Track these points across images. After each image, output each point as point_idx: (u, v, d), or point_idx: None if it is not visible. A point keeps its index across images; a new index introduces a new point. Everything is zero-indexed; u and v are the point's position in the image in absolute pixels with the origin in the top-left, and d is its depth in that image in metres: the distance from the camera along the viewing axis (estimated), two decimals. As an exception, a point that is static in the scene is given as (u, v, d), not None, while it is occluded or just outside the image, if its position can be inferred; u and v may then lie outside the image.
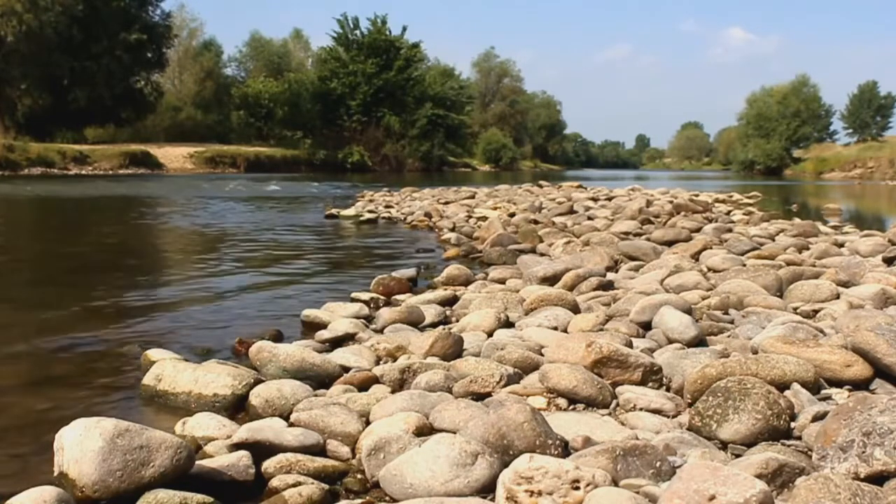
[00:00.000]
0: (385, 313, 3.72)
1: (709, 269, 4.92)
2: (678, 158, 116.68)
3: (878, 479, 1.68)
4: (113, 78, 40.14)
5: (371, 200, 14.16)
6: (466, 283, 4.88)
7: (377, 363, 2.96)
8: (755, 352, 2.73)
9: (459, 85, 59.18)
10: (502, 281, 4.87)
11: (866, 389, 2.40)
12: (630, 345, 2.88)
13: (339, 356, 2.97)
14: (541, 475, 1.66)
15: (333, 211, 11.49)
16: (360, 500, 1.88)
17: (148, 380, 2.74)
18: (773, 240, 6.68)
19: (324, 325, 3.63)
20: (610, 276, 4.70)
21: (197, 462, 1.96)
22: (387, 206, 12.53)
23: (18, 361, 3.23)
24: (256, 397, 2.49)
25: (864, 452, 1.72)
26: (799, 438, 2.04)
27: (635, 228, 7.60)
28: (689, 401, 2.33)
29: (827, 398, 2.32)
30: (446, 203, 12.26)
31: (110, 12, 39.76)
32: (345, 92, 49.27)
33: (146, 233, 9.39)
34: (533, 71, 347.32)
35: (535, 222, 8.37)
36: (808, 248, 5.98)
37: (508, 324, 3.54)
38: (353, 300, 4.31)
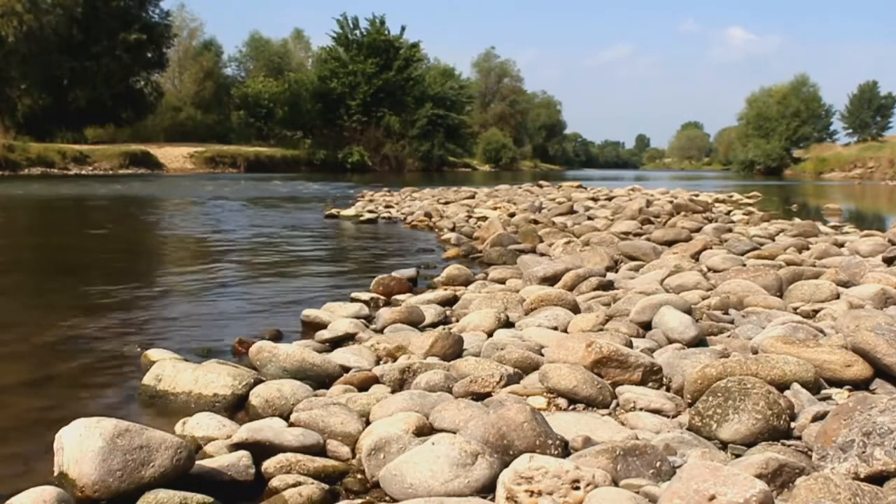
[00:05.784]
0: (385, 313, 3.72)
1: (709, 269, 4.92)
2: (678, 158, 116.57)
3: (878, 479, 1.68)
4: (113, 78, 40.11)
5: (371, 200, 14.15)
6: (466, 283, 4.88)
7: (377, 363, 2.96)
8: (755, 352, 2.73)
9: (459, 85, 59.10)
10: (502, 281, 4.86)
11: (866, 389, 2.40)
12: (630, 345, 2.88)
13: (339, 356, 2.97)
14: (541, 475, 1.66)
15: (333, 211, 11.48)
16: (360, 500, 1.88)
17: (148, 380, 2.74)
18: (773, 240, 6.68)
19: (324, 325, 3.63)
20: (610, 276, 4.70)
21: (197, 462, 1.96)
22: (387, 206, 12.53)
23: (18, 361, 3.23)
24: (256, 397, 2.49)
25: (864, 452, 1.72)
26: (799, 438, 2.04)
27: (635, 228, 7.60)
28: (689, 401, 2.33)
29: (827, 398, 2.32)
30: (446, 203, 12.26)
31: (110, 12, 39.73)
32: (345, 92, 49.24)
33: (146, 233, 9.39)
34: (533, 71, 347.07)
35: (535, 222, 8.37)
36: (808, 248, 5.98)
37: (508, 324, 3.54)
38: (353, 300, 4.31)
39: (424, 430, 2.14)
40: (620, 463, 1.78)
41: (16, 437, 2.35)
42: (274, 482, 1.93)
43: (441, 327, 3.41)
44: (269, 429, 2.14)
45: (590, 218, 9.10)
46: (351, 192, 18.52)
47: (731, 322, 3.45)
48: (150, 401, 2.68)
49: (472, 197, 13.38)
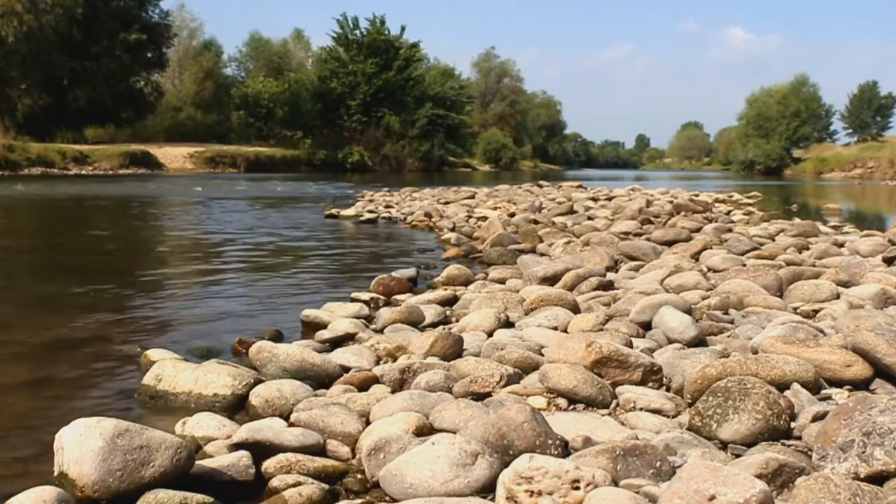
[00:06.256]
0: (385, 313, 3.72)
1: (709, 269, 4.92)
2: (678, 158, 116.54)
3: (878, 479, 1.68)
4: (113, 78, 40.12)
5: (371, 200, 14.15)
6: (466, 283, 4.87)
7: (377, 363, 2.96)
8: (755, 352, 2.73)
9: (459, 85, 59.11)
10: (502, 281, 4.86)
11: (866, 389, 2.40)
12: (630, 345, 2.88)
13: (339, 356, 2.97)
14: (541, 475, 1.66)
15: (333, 211, 11.48)
16: (360, 500, 1.88)
17: (148, 380, 2.74)
18: (773, 240, 6.68)
19: (324, 325, 3.63)
20: (610, 276, 4.70)
21: (197, 462, 1.96)
22: (387, 206, 12.53)
23: (18, 361, 3.23)
24: (256, 397, 2.49)
25: (864, 452, 1.72)
26: (799, 438, 2.04)
27: (635, 228, 7.60)
28: (689, 401, 2.33)
29: (827, 398, 2.32)
30: (446, 203, 12.26)
31: (110, 12, 39.74)
32: (345, 92, 49.26)
33: (146, 233, 9.39)
34: (533, 71, 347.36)
35: (535, 222, 8.37)
36: (808, 248, 5.98)
37: (508, 324, 3.54)
38: (353, 300, 4.31)
39: (424, 430, 2.14)
40: (620, 463, 1.78)
41: (16, 437, 2.35)
42: (274, 482, 1.93)
43: (441, 327, 3.41)
44: (269, 429, 2.14)
45: (590, 218, 9.10)
46: (351, 192, 18.53)
47: (731, 322, 3.45)
48: (150, 401, 2.68)
49: (472, 197, 13.38)
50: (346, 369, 2.85)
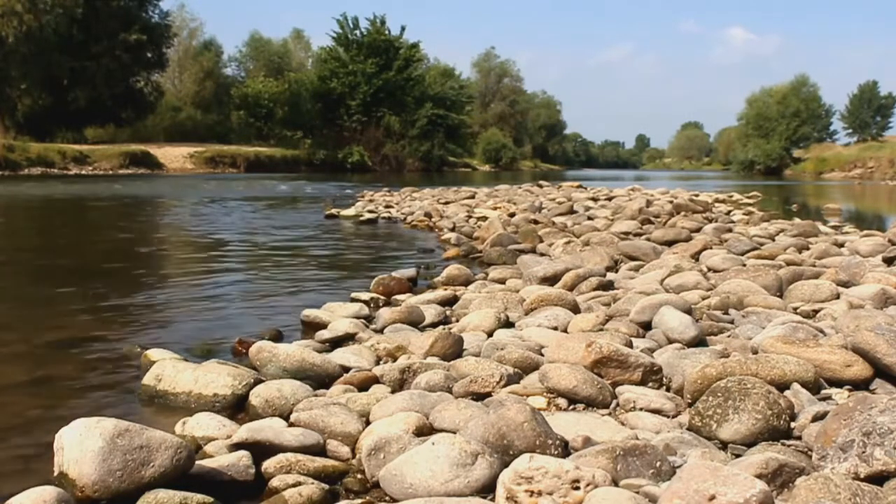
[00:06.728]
0: (385, 313, 3.72)
1: (709, 269, 4.92)
2: (678, 158, 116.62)
3: (878, 479, 1.68)
4: (113, 78, 40.13)
5: (371, 200, 14.15)
6: (466, 283, 4.87)
7: (377, 363, 2.96)
8: (755, 352, 2.74)
9: (459, 85, 59.16)
10: (502, 281, 4.86)
11: (866, 389, 2.40)
12: (630, 345, 2.87)
13: (339, 356, 2.97)
14: (541, 475, 1.66)
15: (333, 211, 11.48)
16: (360, 500, 1.88)
17: (148, 380, 2.74)
18: (773, 240, 6.68)
19: (324, 325, 3.63)
20: (610, 276, 4.70)
21: (197, 462, 1.96)
22: (387, 206, 12.53)
23: (18, 361, 3.23)
24: (256, 397, 2.49)
25: (864, 452, 1.72)
26: (799, 438, 2.04)
27: (635, 228, 7.60)
28: (689, 401, 2.33)
29: (827, 398, 2.32)
30: (446, 203, 12.26)
31: (110, 12, 39.76)
32: (345, 92, 49.28)
33: (146, 233, 9.39)
34: (533, 71, 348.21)
35: (535, 222, 8.37)
36: (808, 248, 5.98)
37: (508, 324, 3.54)
38: (353, 300, 4.31)
39: (424, 430, 2.14)
40: (620, 463, 1.78)
41: (16, 437, 2.35)
42: (274, 482, 1.93)
43: (441, 327, 3.41)
44: (269, 429, 2.14)
45: (590, 218, 9.10)
46: (351, 192, 18.52)
47: (731, 322, 3.44)
48: (150, 401, 2.68)
49: (472, 197, 13.38)
50: (346, 369, 2.85)
